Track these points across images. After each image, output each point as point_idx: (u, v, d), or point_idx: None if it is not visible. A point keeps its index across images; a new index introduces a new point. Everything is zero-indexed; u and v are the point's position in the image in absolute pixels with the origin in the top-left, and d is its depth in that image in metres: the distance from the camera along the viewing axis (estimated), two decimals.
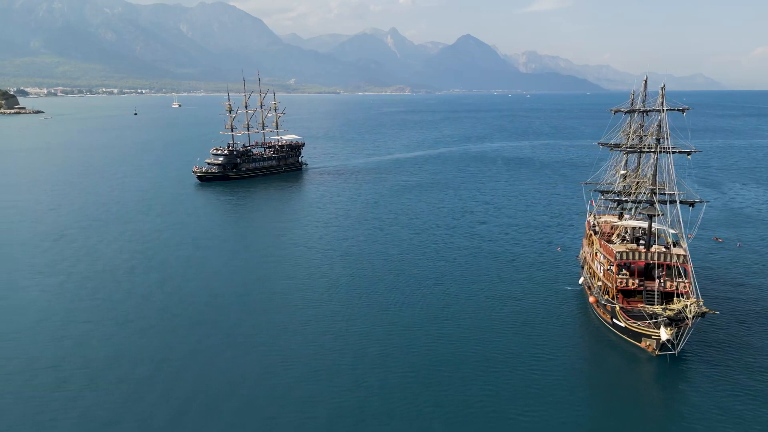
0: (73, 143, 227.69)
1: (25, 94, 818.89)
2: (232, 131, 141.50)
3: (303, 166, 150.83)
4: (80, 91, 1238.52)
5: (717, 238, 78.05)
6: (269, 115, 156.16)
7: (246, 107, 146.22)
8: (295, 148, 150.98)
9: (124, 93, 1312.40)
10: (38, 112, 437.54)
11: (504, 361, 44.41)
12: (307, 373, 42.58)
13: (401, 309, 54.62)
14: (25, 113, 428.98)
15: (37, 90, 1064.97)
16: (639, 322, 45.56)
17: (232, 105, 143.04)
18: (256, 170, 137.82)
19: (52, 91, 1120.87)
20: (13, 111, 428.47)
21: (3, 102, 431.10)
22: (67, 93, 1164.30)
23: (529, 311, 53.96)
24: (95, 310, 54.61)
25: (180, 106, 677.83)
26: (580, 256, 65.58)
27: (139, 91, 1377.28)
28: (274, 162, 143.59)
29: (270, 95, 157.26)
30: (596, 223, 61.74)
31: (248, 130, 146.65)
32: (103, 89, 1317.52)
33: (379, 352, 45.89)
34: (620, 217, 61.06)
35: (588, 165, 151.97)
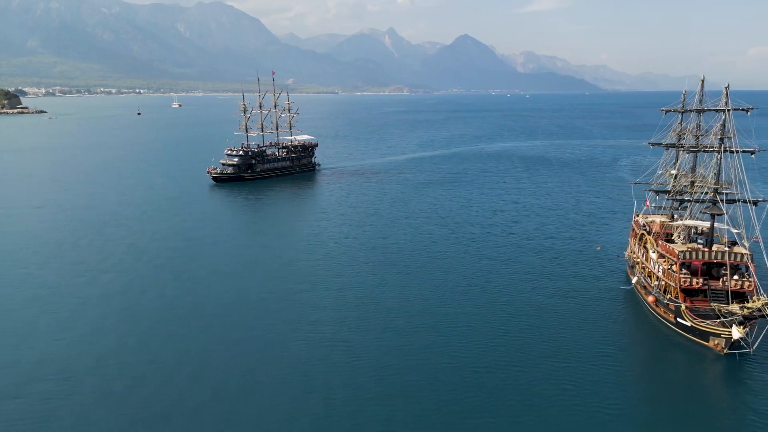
0: (84, 143, 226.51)
1: (23, 94, 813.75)
2: (246, 132, 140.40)
3: (316, 167, 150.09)
4: (78, 91, 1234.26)
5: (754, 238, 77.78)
6: (283, 115, 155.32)
7: (260, 107, 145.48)
8: (308, 149, 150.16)
9: (123, 93, 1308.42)
10: (41, 111, 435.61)
11: (566, 360, 43.92)
12: (345, 373, 41.88)
13: (451, 308, 54.17)
14: (28, 113, 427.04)
15: (36, 90, 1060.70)
16: (707, 321, 45.36)
17: (246, 105, 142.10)
18: (271, 171, 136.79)
19: (51, 90, 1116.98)
20: (15, 111, 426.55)
21: (6, 102, 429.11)
22: (65, 93, 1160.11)
23: (585, 310, 53.58)
24: (118, 309, 54.20)
25: (180, 106, 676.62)
26: (626, 255, 65.35)
27: (138, 90, 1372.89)
28: (288, 163, 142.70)
29: (283, 95, 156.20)
30: (646, 223, 61.52)
31: (262, 131, 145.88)
32: (102, 89, 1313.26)
33: (428, 353, 45.25)
34: (671, 216, 60.78)
35: (606, 164, 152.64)
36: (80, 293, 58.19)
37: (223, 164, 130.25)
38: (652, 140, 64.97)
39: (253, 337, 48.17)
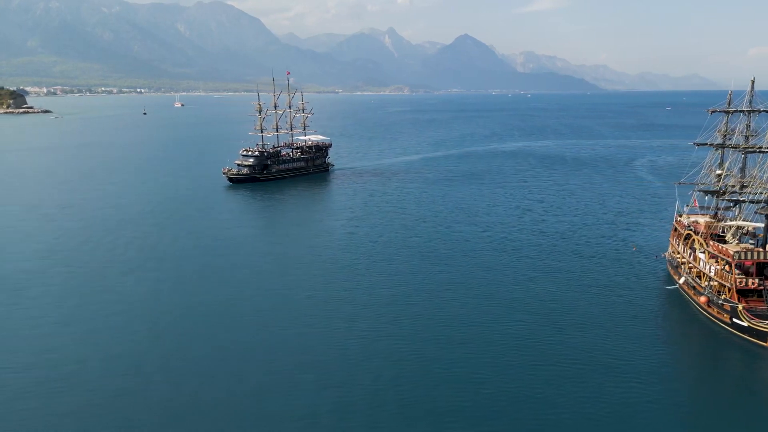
0: (95, 142, 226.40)
1: (25, 93, 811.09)
2: (261, 132, 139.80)
3: (330, 167, 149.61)
4: (80, 91, 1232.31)
5: None
6: (297, 115, 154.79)
7: (275, 107, 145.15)
8: (321, 149, 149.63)
9: (124, 92, 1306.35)
10: (46, 111, 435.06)
11: (617, 360, 43.69)
12: (377, 375, 41.74)
13: (495, 307, 54.31)
14: (34, 113, 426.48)
15: (37, 89, 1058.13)
16: (765, 321, 45.51)
17: (262, 105, 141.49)
18: (286, 172, 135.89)
19: (52, 90, 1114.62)
20: (21, 110, 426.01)
21: (11, 102, 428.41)
22: (66, 92, 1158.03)
23: (632, 310, 53.61)
24: (147, 309, 54.42)
25: (183, 105, 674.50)
26: (667, 255, 65.40)
27: (138, 90, 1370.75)
28: (302, 163, 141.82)
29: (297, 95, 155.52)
30: (690, 223, 61.57)
31: (277, 131, 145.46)
32: (102, 89, 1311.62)
33: (476, 352, 45.22)
34: (715, 217, 60.82)
35: (623, 164, 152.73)
36: (106, 293, 58.41)
37: (239, 165, 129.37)
38: (697, 140, 64.67)
39: (290, 336, 48.02)
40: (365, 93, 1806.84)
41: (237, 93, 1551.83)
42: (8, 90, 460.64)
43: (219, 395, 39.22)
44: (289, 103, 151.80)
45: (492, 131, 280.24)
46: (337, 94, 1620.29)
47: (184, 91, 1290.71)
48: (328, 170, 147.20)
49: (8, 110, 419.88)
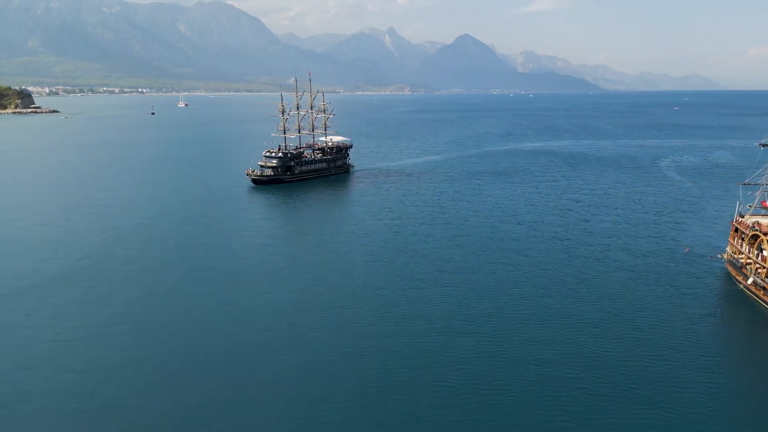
0: (110, 141, 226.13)
1: (28, 93, 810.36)
2: (284, 133, 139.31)
3: (350, 168, 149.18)
4: (82, 90, 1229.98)
5: None
6: (318, 116, 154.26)
7: (297, 108, 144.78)
8: (342, 150, 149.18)
9: (125, 92, 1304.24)
10: (54, 111, 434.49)
11: (683, 363, 43.36)
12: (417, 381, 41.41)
13: (550, 307, 54.33)
14: (42, 113, 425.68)
15: (39, 89, 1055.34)
16: None
17: (285, 106, 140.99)
18: (308, 173, 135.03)
19: (54, 90, 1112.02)
20: (29, 110, 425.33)
21: (19, 101, 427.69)
22: (68, 92, 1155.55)
23: (695, 311, 53.49)
24: (162, 310, 54.48)
25: (186, 105, 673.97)
26: (726, 256, 65.41)
27: (140, 90, 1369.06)
28: (324, 164, 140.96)
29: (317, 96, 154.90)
30: (753, 224, 61.56)
31: (299, 132, 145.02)
32: (104, 88, 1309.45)
33: (530, 351, 45.27)
34: None
35: (649, 164, 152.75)
36: (130, 293, 58.63)
37: (262, 166, 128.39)
38: (763, 141, 64.56)
39: (333, 342, 47.44)
40: (366, 93, 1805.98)
41: (238, 93, 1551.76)
42: (16, 90, 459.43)
43: (239, 394, 39.54)
44: (311, 104, 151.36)
45: (505, 131, 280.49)
46: (338, 94, 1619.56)
47: (185, 90, 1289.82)
48: (348, 171, 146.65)
49: (16, 110, 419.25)
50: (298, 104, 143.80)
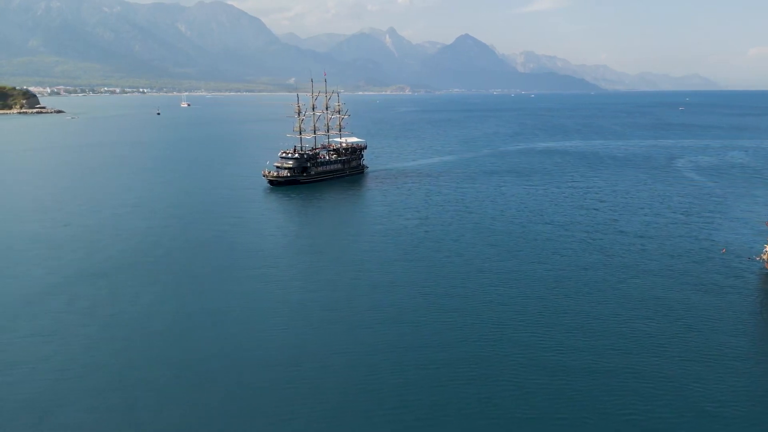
0: (122, 141, 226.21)
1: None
2: (300, 134, 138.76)
3: (365, 169, 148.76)
4: (83, 91, 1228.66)
5: None
6: (333, 117, 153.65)
7: (313, 109, 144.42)
8: (356, 151, 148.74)
9: (126, 92, 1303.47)
10: (59, 111, 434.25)
11: (733, 366, 43.14)
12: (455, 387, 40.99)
13: (600, 310, 54.27)
14: (47, 113, 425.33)
15: (40, 89, 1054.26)
16: None
17: (301, 107, 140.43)
18: (324, 174, 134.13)
19: (55, 90, 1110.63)
20: (34, 110, 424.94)
21: (24, 102, 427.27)
22: (69, 92, 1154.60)
23: (749, 311, 53.75)
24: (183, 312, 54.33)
25: (189, 105, 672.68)
26: (765, 257, 65.40)
27: (141, 90, 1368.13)
28: (339, 165, 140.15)
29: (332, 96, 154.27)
30: None
31: (315, 133, 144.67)
32: (105, 89, 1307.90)
33: (566, 355, 45.08)
34: None
35: (665, 163, 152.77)
36: (157, 292, 58.90)
37: (278, 167, 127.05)
38: None
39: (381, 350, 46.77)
40: (366, 93, 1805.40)
41: (239, 93, 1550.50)
42: (21, 90, 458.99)
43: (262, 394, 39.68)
44: (326, 104, 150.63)
45: (513, 131, 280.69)
46: (340, 94, 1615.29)
47: (186, 90, 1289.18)
48: (363, 172, 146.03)
49: (22, 110, 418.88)
50: (314, 105, 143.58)
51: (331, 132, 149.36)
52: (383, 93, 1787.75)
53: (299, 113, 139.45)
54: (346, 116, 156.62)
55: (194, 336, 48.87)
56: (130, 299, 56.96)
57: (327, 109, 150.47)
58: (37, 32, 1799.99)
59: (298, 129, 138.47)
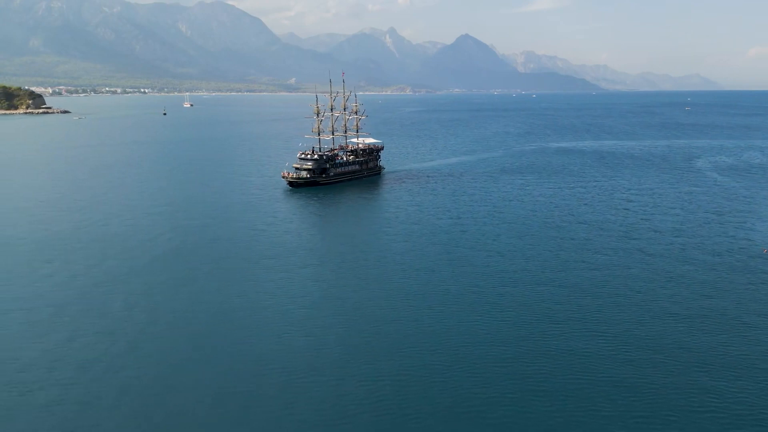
0: (137, 141, 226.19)
1: None
2: (319, 135, 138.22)
3: (381, 170, 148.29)
4: (84, 91, 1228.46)
5: None
6: (350, 117, 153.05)
7: (332, 110, 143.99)
8: (374, 152, 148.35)
9: (128, 92, 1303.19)
10: (65, 111, 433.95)
11: None
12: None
13: (654, 308, 54.31)
14: (53, 113, 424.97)
15: (42, 89, 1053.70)
16: None
17: (320, 107, 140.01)
18: (342, 175, 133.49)
19: (57, 90, 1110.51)
20: (40, 111, 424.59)
21: (30, 102, 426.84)
22: (71, 92, 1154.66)
23: None
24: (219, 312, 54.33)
25: (192, 105, 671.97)
26: None
27: (142, 90, 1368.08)
28: (357, 166, 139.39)
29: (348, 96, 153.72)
30: None
31: (333, 134, 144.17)
32: (107, 89, 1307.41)
33: (607, 363, 44.80)
34: None
35: (685, 164, 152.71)
36: (192, 291, 59.16)
37: (298, 168, 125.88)
38: None
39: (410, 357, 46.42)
40: (367, 93, 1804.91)
41: (240, 93, 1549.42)
42: (27, 90, 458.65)
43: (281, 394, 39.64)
44: (344, 105, 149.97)
45: (523, 130, 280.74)
46: (338, 94, 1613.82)
47: (187, 90, 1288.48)
48: (380, 173, 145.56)
49: (28, 110, 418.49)
50: (332, 105, 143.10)
51: (349, 133, 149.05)
52: (384, 93, 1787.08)
53: (318, 114, 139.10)
54: (363, 117, 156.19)
55: (232, 334, 49.22)
56: (154, 297, 57.84)
57: (345, 109, 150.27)
58: (38, 32, 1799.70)
59: (317, 130, 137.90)
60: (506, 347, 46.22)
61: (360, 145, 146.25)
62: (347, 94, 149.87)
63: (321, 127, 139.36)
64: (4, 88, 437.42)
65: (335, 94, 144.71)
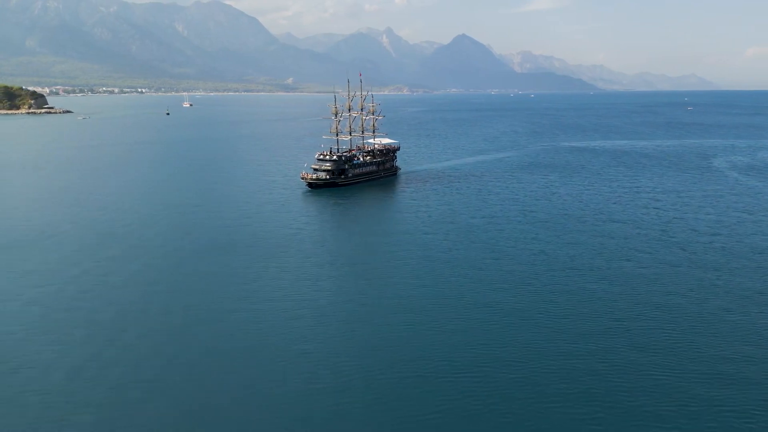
0: (149, 140, 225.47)
1: None
2: (337, 135, 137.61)
3: (397, 171, 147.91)
4: (81, 90, 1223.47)
5: None
6: (367, 118, 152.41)
7: (350, 110, 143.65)
8: (390, 152, 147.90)
9: (125, 92, 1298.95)
10: (67, 111, 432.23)
11: None
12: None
13: (709, 307, 54.42)
14: (56, 113, 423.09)
15: (39, 89, 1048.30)
16: None
17: (338, 108, 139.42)
18: (360, 176, 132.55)
19: (54, 90, 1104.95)
20: (42, 111, 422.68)
21: (32, 102, 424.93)
22: (68, 92, 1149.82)
23: None
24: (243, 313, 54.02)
25: (191, 105, 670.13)
26: None
27: (139, 90, 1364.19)
28: (374, 167, 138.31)
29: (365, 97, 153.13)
30: None
31: (350, 134, 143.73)
32: (104, 88, 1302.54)
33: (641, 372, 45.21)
34: None
35: (703, 163, 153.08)
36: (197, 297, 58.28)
37: (316, 169, 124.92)
38: None
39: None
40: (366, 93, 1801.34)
41: (237, 92, 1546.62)
42: (29, 90, 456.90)
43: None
44: (361, 105, 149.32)
45: (531, 129, 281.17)
46: (339, 94, 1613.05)
47: (184, 90, 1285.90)
48: (396, 174, 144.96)
49: (30, 110, 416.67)
50: (350, 106, 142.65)
51: (366, 133, 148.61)
52: (382, 93, 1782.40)
53: (336, 114, 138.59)
54: (379, 117, 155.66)
55: (243, 331, 49.83)
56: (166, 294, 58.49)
57: (362, 110, 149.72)
58: (34, 32, 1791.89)
59: (335, 131, 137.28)
60: (570, 354, 46.17)
61: (377, 146, 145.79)
62: (364, 93, 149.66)
63: (339, 127, 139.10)
64: (6, 88, 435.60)
65: (353, 95, 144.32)
